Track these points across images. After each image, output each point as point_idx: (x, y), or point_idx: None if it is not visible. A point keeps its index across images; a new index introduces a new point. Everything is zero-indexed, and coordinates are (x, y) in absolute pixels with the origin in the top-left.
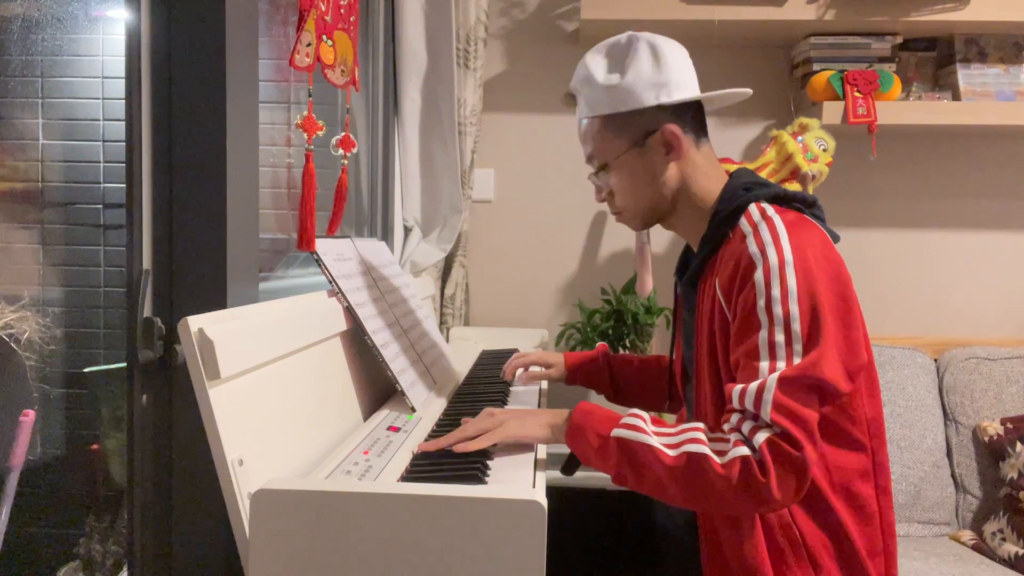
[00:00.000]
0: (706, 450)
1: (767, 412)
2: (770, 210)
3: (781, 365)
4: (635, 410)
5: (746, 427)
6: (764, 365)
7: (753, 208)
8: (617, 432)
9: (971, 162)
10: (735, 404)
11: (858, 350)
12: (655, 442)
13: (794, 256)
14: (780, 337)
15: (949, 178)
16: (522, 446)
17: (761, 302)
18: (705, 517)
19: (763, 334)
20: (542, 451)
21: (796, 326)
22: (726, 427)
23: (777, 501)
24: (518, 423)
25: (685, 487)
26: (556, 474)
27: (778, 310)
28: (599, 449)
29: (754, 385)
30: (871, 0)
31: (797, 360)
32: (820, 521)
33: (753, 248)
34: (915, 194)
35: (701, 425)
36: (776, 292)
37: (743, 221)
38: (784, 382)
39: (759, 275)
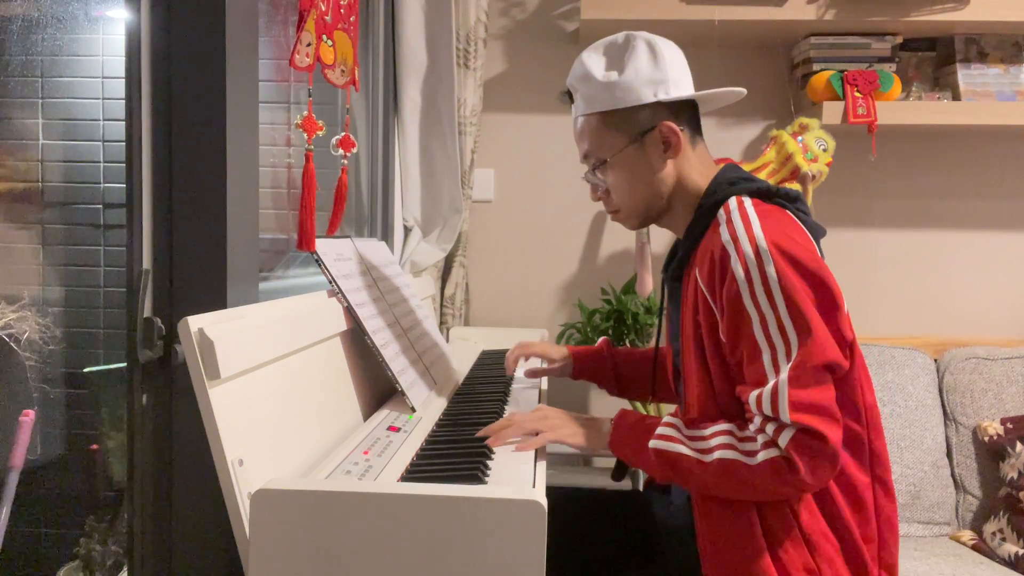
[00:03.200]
0: (736, 455)
1: (786, 414)
2: (747, 202)
3: (781, 355)
4: (668, 417)
5: (770, 429)
6: (766, 359)
7: (732, 200)
8: (653, 443)
9: (971, 162)
10: (754, 410)
11: (843, 330)
12: (688, 451)
13: (768, 243)
14: (772, 326)
15: (949, 178)
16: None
17: (745, 294)
18: (702, 510)
19: (755, 327)
20: (543, 451)
21: (785, 315)
22: (751, 428)
23: (811, 486)
24: (568, 430)
25: (724, 487)
26: (556, 474)
27: (764, 300)
28: (640, 457)
29: (767, 390)
30: (871, 0)
31: (795, 350)
32: (816, 505)
33: (725, 236)
34: (915, 194)
35: (728, 427)
36: (757, 282)
37: (720, 213)
38: (794, 380)
39: (736, 265)
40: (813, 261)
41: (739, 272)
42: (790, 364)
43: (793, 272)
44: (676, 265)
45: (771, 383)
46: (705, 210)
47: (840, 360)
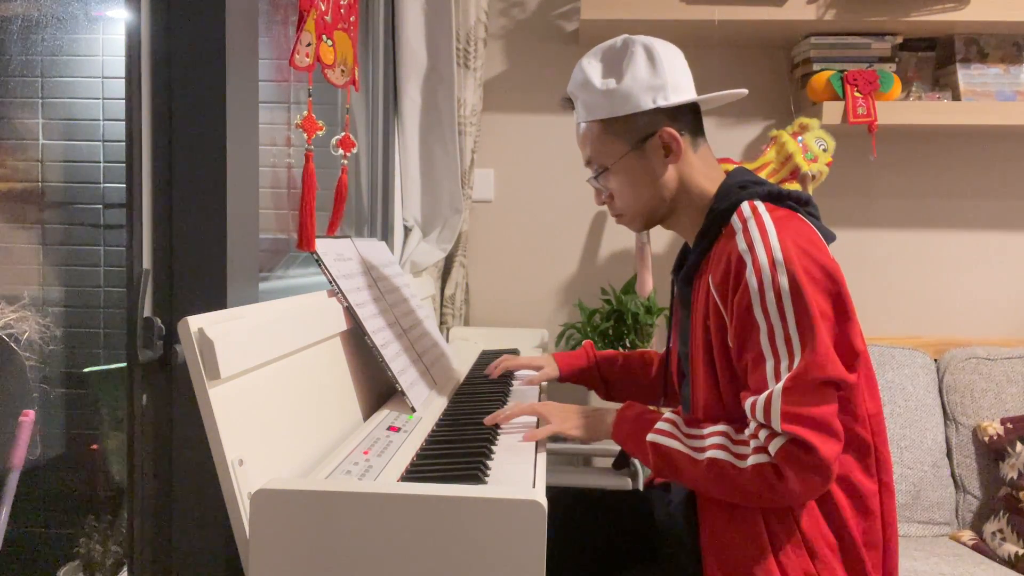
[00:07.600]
0: (726, 456)
1: (777, 423)
2: (761, 208)
3: (784, 367)
4: (669, 413)
5: (762, 435)
6: (768, 368)
7: (745, 206)
8: (651, 437)
9: (971, 162)
10: (749, 415)
11: (853, 340)
12: (682, 447)
13: (782, 253)
14: (779, 338)
15: (949, 178)
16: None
17: (756, 303)
18: (706, 510)
19: (762, 336)
20: (542, 453)
21: (793, 327)
22: (747, 432)
23: (800, 496)
24: (570, 423)
25: (715, 488)
26: (556, 474)
27: (773, 310)
28: (639, 450)
29: (762, 398)
30: (871, 0)
31: (797, 361)
32: (819, 511)
33: (742, 245)
34: (915, 194)
35: (725, 428)
36: (769, 293)
37: (734, 218)
38: (788, 391)
39: (750, 275)
40: (828, 271)
41: (752, 282)
42: (788, 373)
43: (808, 283)
44: (687, 270)
45: (767, 391)
46: (717, 215)
47: (843, 376)
